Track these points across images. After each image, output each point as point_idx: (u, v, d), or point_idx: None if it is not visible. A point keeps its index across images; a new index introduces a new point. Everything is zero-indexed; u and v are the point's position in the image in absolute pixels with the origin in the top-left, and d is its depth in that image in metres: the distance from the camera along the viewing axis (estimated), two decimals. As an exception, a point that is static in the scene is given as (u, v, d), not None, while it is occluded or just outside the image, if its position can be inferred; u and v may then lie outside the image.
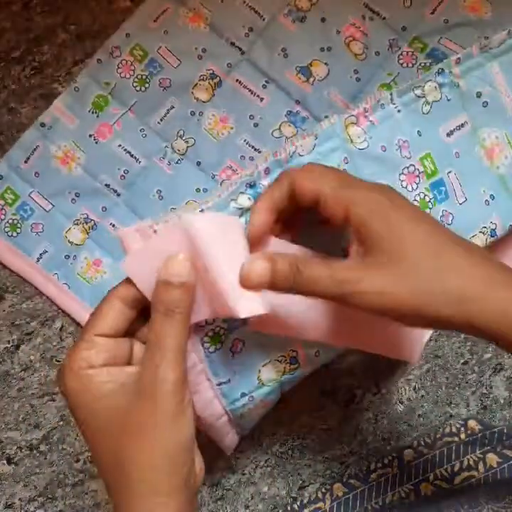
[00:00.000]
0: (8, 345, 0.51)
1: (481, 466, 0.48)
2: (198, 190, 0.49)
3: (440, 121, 0.42)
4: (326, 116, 0.49)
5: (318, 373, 0.50)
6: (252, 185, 0.37)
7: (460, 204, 0.42)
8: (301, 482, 0.51)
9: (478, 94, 0.43)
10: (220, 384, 0.40)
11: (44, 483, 0.51)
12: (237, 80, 0.49)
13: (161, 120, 0.49)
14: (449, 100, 0.42)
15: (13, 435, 0.51)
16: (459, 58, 0.42)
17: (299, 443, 0.51)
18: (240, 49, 0.49)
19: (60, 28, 0.51)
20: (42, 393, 0.51)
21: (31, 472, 0.51)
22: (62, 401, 0.51)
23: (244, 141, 0.49)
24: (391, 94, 0.40)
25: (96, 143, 0.49)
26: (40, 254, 0.50)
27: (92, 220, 0.49)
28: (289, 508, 0.50)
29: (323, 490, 0.50)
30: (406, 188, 0.41)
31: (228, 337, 0.39)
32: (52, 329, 0.51)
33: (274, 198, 0.34)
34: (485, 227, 0.42)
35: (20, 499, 0.51)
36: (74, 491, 0.51)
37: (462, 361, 0.52)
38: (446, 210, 0.42)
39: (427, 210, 0.41)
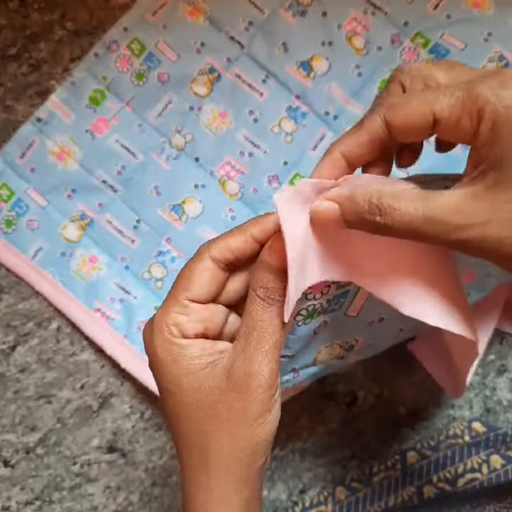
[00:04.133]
0: (4, 347, 0.50)
1: (484, 468, 0.47)
2: (196, 186, 0.48)
3: None
4: (327, 112, 0.49)
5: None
6: None
7: None
8: (301, 486, 0.50)
9: None
10: (283, 356, 0.37)
11: (41, 486, 0.50)
12: (236, 75, 0.49)
13: (159, 115, 0.49)
14: None
15: (9, 438, 0.50)
16: None
17: (300, 446, 0.51)
18: (240, 43, 0.49)
19: (56, 25, 0.50)
20: (38, 395, 0.50)
21: (28, 475, 0.50)
22: (59, 403, 0.50)
23: (244, 136, 0.48)
24: None
25: (93, 138, 0.48)
26: (36, 252, 0.49)
27: (88, 216, 0.48)
28: (290, 511, 0.49)
29: (326, 493, 0.49)
30: None
31: (321, 316, 0.36)
32: (49, 330, 0.50)
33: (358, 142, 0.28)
34: None
35: (17, 502, 0.50)
36: (71, 494, 0.50)
37: None
38: None
39: None
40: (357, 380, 0.51)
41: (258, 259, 0.27)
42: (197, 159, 0.48)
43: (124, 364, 0.47)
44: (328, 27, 0.48)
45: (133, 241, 0.48)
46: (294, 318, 0.34)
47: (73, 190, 0.48)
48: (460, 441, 0.49)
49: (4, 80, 0.51)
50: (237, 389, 0.28)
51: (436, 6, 0.49)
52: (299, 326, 0.35)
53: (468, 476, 0.47)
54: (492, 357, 0.51)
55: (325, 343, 0.38)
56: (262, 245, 0.28)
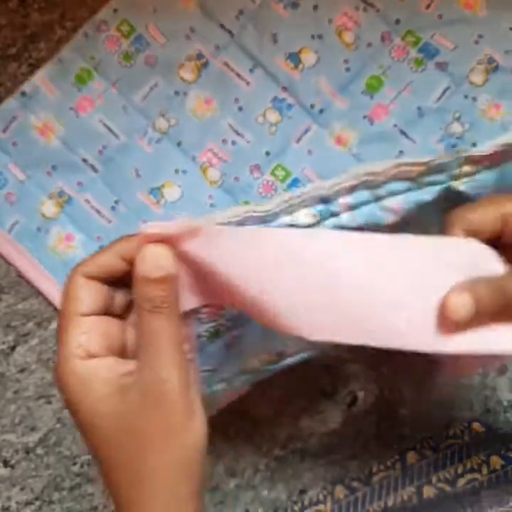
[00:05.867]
0: (4, 347, 0.50)
1: (484, 469, 0.46)
2: (176, 171, 0.48)
3: None
4: (312, 105, 0.48)
5: (320, 375, 0.50)
6: (325, 201, 0.30)
7: None
8: (301, 486, 0.50)
9: None
10: (203, 371, 0.38)
11: (41, 486, 0.50)
12: (224, 63, 0.48)
13: (144, 98, 0.48)
14: None
15: (9, 438, 0.50)
16: None
17: (300, 446, 0.50)
18: (230, 32, 0.48)
19: (56, 24, 0.50)
20: (38, 395, 0.50)
21: (28, 475, 0.50)
22: (59, 403, 0.50)
23: (228, 124, 0.48)
24: None
25: (76, 116, 0.48)
26: (12, 225, 0.48)
27: (66, 194, 0.48)
28: (289, 510, 0.49)
29: (325, 492, 0.49)
30: None
31: (228, 334, 0.37)
32: (49, 330, 0.50)
33: None
34: None
35: (16, 502, 0.50)
36: (71, 495, 0.50)
37: None
38: None
39: None
40: (357, 380, 0.51)
41: (134, 275, 0.27)
42: (179, 144, 0.48)
43: None
44: (318, 20, 0.48)
45: (110, 221, 0.48)
46: (198, 339, 0.34)
47: (53, 167, 0.48)
48: (460, 441, 0.49)
49: (4, 80, 0.50)
50: (152, 401, 0.28)
51: (428, 6, 0.49)
52: (205, 345, 0.36)
53: (468, 476, 0.46)
54: None
55: (248, 353, 0.39)
56: (129, 262, 0.28)
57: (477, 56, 0.48)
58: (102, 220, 0.48)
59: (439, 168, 0.30)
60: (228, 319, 0.35)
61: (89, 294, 0.28)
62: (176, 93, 0.49)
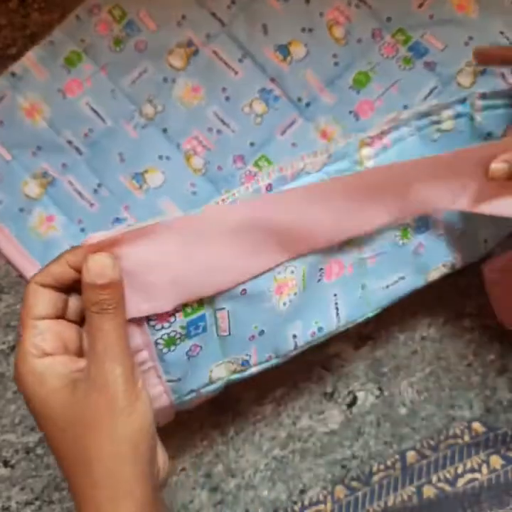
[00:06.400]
0: (4, 347, 0.50)
1: (484, 469, 0.46)
2: (160, 157, 0.48)
3: (444, 151, 0.39)
4: (299, 98, 0.48)
5: (320, 375, 0.51)
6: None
7: (437, 236, 0.43)
8: (302, 486, 0.50)
9: (489, 134, 0.42)
10: (170, 381, 0.40)
11: (41, 486, 0.50)
12: (213, 51, 0.49)
13: (133, 83, 0.49)
14: (460, 132, 0.41)
15: (9, 438, 0.50)
16: (484, 93, 0.41)
17: (300, 446, 0.50)
18: (221, 21, 0.49)
19: (56, 24, 0.50)
20: None
21: (28, 475, 0.50)
22: None
23: (214, 113, 0.48)
24: (409, 115, 0.40)
25: (64, 98, 0.48)
26: (-4, 205, 0.49)
27: (50, 175, 0.48)
28: (289, 510, 0.49)
29: (325, 492, 0.49)
30: None
31: (185, 342, 0.39)
32: None
33: None
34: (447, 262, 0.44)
35: (16, 502, 0.50)
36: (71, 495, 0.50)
37: (466, 363, 0.51)
38: (421, 243, 0.43)
39: (406, 240, 0.43)
40: (357, 380, 0.51)
41: (82, 282, 0.31)
42: (165, 130, 0.48)
43: None
44: (310, 14, 0.48)
45: (92, 205, 0.48)
46: (156, 346, 0.37)
47: (39, 148, 0.48)
48: (460, 441, 0.49)
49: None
50: (97, 390, 0.30)
51: (421, 5, 0.49)
52: (164, 353, 0.38)
53: (468, 476, 0.46)
54: (492, 357, 0.51)
55: (212, 362, 0.41)
56: (78, 271, 0.31)
57: (466, 58, 0.48)
58: (84, 202, 0.48)
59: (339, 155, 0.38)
60: (183, 326, 0.38)
61: (42, 300, 0.31)
62: (165, 80, 0.49)
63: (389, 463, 0.49)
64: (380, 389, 0.51)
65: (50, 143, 0.48)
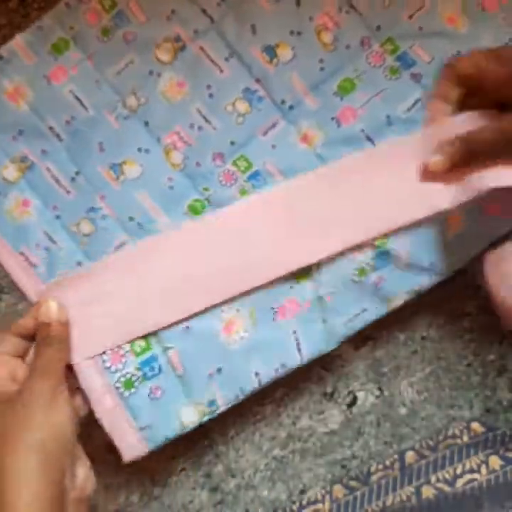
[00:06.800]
0: None
1: (483, 469, 0.47)
2: (139, 149, 0.48)
3: None
4: (283, 101, 0.48)
5: (320, 375, 0.51)
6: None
7: (402, 270, 0.46)
8: (302, 486, 0.50)
9: None
10: (142, 429, 0.43)
11: None
12: (200, 48, 0.48)
13: (118, 74, 0.49)
14: None
15: None
16: None
17: (300, 446, 0.51)
18: (211, 18, 0.48)
19: None
20: None
21: None
22: None
23: (197, 109, 0.48)
24: None
25: (48, 84, 0.48)
26: (-28, 186, 0.49)
27: (29, 160, 0.48)
28: (287, 509, 0.49)
29: (323, 491, 0.49)
30: (349, 257, 0.45)
31: (144, 383, 0.43)
32: None
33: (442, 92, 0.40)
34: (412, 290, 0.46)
35: None
36: None
37: (465, 363, 0.51)
38: (380, 277, 0.46)
39: (363, 278, 0.45)
40: (357, 380, 0.51)
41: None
42: (147, 123, 0.48)
43: None
44: (299, 17, 0.48)
45: (68, 192, 0.48)
46: (117, 390, 0.42)
47: (20, 132, 0.48)
48: (459, 441, 0.49)
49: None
50: (19, 405, 0.35)
51: (411, 16, 0.48)
52: (126, 396, 0.42)
53: (467, 476, 0.46)
54: (492, 357, 0.51)
55: (178, 405, 0.44)
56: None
57: (452, 71, 0.48)
58: (61, 189, 0.48)
59: None
60: (137, 367, 0.42)
61: (4, 343, 0.39)
62: (150, 73, 0.49)
63: (388, 463, 0.49)
64: (380, 389, 0.51)
65: (31, 128, 0.48)
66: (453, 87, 0.40)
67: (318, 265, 0.45)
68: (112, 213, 0.48)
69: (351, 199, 0.43)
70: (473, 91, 0.40)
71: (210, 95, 0.48)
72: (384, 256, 0.45)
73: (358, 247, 0.45)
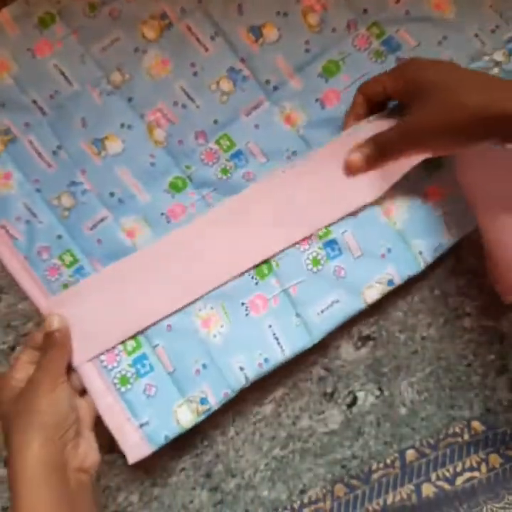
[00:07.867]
0: (4, 347, 0.51)
1: (483, 467, 0.47)
2: (122, 125, 0.48)
3: None
4: (267, 81, 0.48)
5: (320, 375, 0.51)
6: None
7: (355, 258, 0.47)
8: (302, 486, 0.50)
9: None
10: (141, 425, 0.44)
11: None
12: (187, 26, 0.48)
13: (104, 49, 0.48)
14: None
15: None
16: None
17: (300, 446, 0.50)
18: (198, -4, 0.48)
19: None
20: None
21: None
22: None
23: (181, 87, 0.48)
24: None
25: (33, 57, 0.48)
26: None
27: (12, 133, 0.48)
28: (288, 507, 0.49)
29: (324, 490, 0.49)
30: (299, 249, 0.46)
31: (138, 380, 0.45)
32: None
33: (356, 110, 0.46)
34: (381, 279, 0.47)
35: None
36: None
37: (466, 363, 0.51)
38: (338, 266, 0.46)
39: (320, 267, 0.47)
40: (357, 380, 0.51)
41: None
42: (130, 100, 0.48)
43: (23, 285, 0.47)
44: (286, -2, 0.48)
45: (50, 166, 0.48)
46: (114, 386, 0.45)
47: (2, 105, 0.48)
48: (459, 439, 0.49)
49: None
50: (28, 384, 0.42)
51: (398, 0, 0.49)
52: (123, 392, 0.46)
53: (467, 474, 0.47)
54: (492, 357, 0.51)
55: (172, 402, 0.46)
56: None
57: (438, 57, 0.48)
58: (43, 163, 0.48)
59: None
60: (130, 364, 0.45)
61: (23, 354, 0.45)
62: (136, 50, 0.49)
63: (388, 461, 0.49)
64: (380, 389, 0.51)
65: (14, 101, 0.48)
66: (363, 106, 0.45)
67: (277, 261, 0.46)
68: (93, 188, 0.47)
69: (293, 200, 0.46)
70: (381, 101, 0.45)
71: (195, 73, 0.48)
72: (333, 245, 0.46)
73: (304, 240, 0.46)
